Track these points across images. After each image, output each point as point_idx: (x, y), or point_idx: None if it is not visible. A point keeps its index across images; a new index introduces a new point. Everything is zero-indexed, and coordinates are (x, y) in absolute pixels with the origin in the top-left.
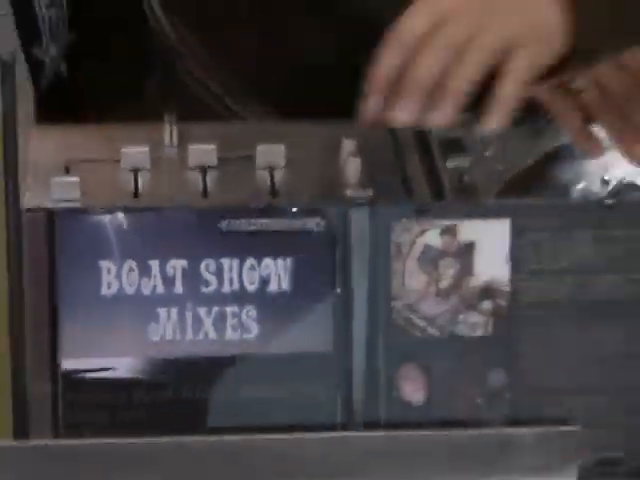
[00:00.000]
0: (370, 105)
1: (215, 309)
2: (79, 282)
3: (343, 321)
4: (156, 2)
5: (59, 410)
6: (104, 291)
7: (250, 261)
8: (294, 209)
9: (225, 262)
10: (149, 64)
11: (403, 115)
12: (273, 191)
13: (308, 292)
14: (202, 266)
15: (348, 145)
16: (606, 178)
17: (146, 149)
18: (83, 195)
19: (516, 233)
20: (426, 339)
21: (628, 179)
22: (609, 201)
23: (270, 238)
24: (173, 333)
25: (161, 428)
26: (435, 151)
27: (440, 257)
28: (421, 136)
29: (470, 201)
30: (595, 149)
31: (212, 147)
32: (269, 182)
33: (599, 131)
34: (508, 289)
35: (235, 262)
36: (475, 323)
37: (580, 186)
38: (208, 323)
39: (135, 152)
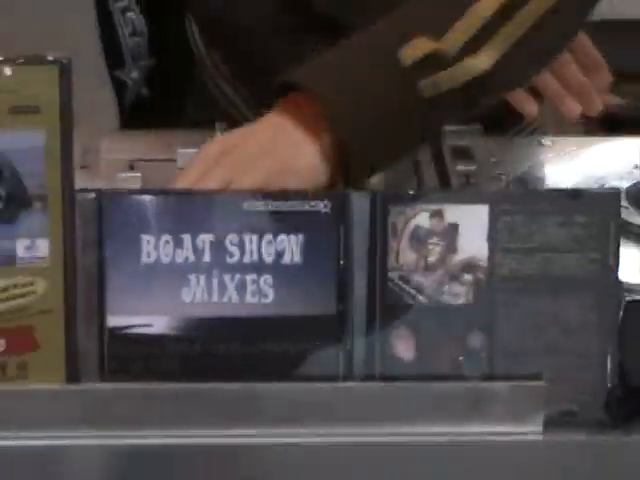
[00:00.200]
0: None
1: (237, 276)
2: (123, 252)
3: (346, 289)
4: (198, 38)
5: (105, 360)
6: (144, 260)
7: (268, 236)
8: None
9: (246, 237)
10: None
11: None
12: None
13: (316, 264)
14: (227, 240)
15: None
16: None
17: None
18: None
19: (493, 217)
20: (416, 305)
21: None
22: (572, 192)
23: (285, 217)
24: (202, 296)
25: (191, 376)
26: (447, 157)
27: (429, 236)
28: (435, 145)
29: (455, 189)
30: (529, 105)
31: None
32: None
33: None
34: (486, 264)
35: (255, 237)
36: (458, 293)
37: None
38: (231, 288)
39: (189, 153)
